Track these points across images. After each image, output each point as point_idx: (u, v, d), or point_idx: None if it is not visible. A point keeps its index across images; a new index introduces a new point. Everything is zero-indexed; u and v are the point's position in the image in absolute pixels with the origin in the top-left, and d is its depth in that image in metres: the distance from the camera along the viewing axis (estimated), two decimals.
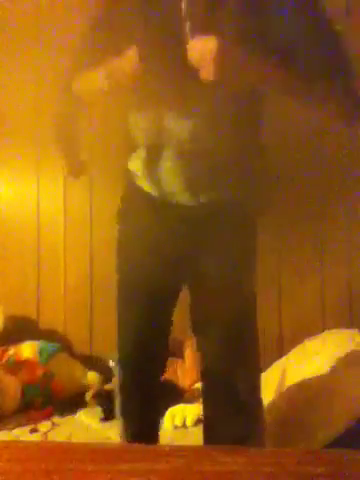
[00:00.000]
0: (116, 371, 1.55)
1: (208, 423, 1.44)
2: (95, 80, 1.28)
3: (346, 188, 2.36)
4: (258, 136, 1.39)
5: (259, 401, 1.43)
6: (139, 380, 1.50)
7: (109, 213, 2.55)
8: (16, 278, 2.62)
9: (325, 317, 2.38)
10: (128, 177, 1.46)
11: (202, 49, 1.11)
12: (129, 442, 1.48)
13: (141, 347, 1.47)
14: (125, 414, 1.52)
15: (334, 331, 2.21)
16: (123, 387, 1.52)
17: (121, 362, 1.52)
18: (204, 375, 1.45)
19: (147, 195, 1.41)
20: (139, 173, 1.40)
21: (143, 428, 1.51)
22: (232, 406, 1.37)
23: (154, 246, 1.41)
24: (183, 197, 1.35)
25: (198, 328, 1.43)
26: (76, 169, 1.55)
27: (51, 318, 2.59)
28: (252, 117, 1.36)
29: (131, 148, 1.42)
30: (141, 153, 1.38)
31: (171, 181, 1.34)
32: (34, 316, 2.60)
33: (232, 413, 1.36)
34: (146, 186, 1.40)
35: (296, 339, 2.25)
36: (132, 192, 1.46)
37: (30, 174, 2.61)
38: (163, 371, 1.57)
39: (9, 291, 2.60)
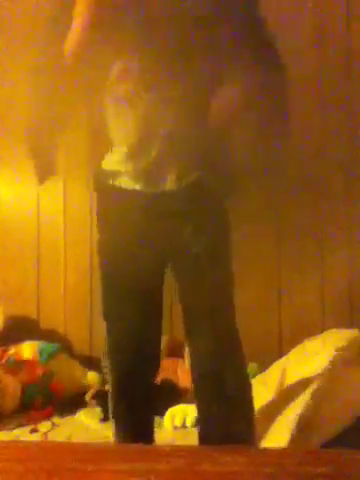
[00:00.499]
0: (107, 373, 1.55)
1: (200, 419, 1.46)
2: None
3: (346, 188, 2.36)
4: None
5: (248, 393, 1.44)
6: (132, 382, 1.49)
7: None
8: (16, 278, 2.62)
9: (325, 317, 2.38)
10: (101, 179, 1.47)
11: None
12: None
13: (132, 348, 1.47)
14: (117, 417, 1.52)
15: (334, 331, 2.21)
16: (115, 390, 1.51)
17: (112, 364, 1.51)
18: (193, 370, 1.46)
19: (126, 193, 1.42)
20: (119, 170, 1.41)
21: (136, 431, 1.50)
22: (220, 399, 1.38)
23: (138, 243, 1.42)
24: (167, 183, 1.38)
25: (186, 317, 1.45)
26: (44, 172, 1.54)
27: (51, 318, 2.59)
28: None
29: (105, 148, 1.44)
30: (120, 150, 1.40)
31: (157, 169, 1.37)
32: (34, 316, 2.60)
33: (221, 411, 1.38)
34: (126, 182, 1.41)
35: (296, 339, 2.25)
36: (108, 194, 1.48)
37: (30, 174, 2.61)
38: (157, 371, 1.56)
39: (9, 291, 2.60)
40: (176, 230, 1.40)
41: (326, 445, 1.57)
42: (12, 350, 2.33)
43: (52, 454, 0.84)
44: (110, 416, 1.54)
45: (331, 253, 2.38)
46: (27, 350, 2.32)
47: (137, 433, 1.50)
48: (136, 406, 1.51)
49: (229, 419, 1.37)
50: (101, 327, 1.53)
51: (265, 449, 0.81)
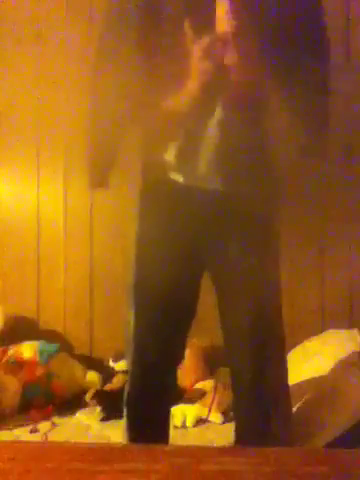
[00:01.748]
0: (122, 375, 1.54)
1: (238, 422, 1.45)
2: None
3: (346, 188, 2.36)
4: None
5: (288, 399, 1.45)
6: (159, 385, 1.48)
7: (109, 213, 2.56)
8: (16, 278, 2.62)
9: (325, 317, 2.38)
10: (156, 170, 1.43)
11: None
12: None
13: (163, 352, 1.45)
14: (136, 420, 1.51)
15: (334, 331, 2.21)
16: (140, 393, 1.50)
17: (138, 368, 1.49)
18: (232, 375, 1.45)
19: (173, 185, 1.39)
20: (173, 162, 1.39)
21: (155, 433, 1.49)
22: (259, 407, 1.38)
23: (177, 241, 1.39)
24: (213, 182, 1.36)
25: (226, 325, 1.43)
26: (99, 182, 1.53)
27: (51, 318, 2.59)
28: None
29: (167, 139, 1.41)
30: (177, 143, 1.37)
31: (205, 166, 1.35)
32: (34, 316, 2.60)
33: (261, 416, 1.38)
34: (175, 175, 1.39)
35: (296, 339, 2.25)
36: (156, 186, 1.44)
37: (30, 174, 2.61)
38: (178, 367, 1.57)
39: (9, 291, 2.60)
40: (215, 239, 1.38)
41: (326, 445, 1.57)
42: (12, 350, 2.33)
43: (52, 454, 0.83)
44: (124, 416, 1.52)
45: (331, 253, 2.38)
46: (27, 350, 2.32)
47: (153, 431, 1.48)
48: (155, 402, 1.50)
49: (267, 424, 1.37)
50: (126, 322, 1.49)
51: (265, 449, 0.81)
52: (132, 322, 1.47)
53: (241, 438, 1.43)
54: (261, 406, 1.38)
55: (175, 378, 1.57)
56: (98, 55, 1.44)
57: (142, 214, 1.47)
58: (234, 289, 1.40)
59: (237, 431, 1.45)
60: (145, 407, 1.49)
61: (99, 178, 1.51)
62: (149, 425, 1.48)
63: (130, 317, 1.47)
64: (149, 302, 1.45)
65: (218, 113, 1.32)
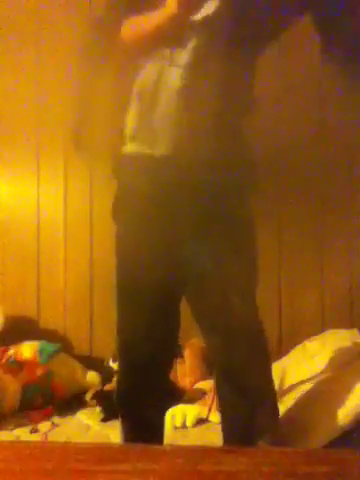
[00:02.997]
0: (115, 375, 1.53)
1: (225, 420, 1.45)
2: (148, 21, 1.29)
3: (346, 188, 2.37)
4: (248, 96, 1.40)
5: (273, 391, 1.44)
6: (145, 386, 1.45)
7: (109, 213, 2.55)
8: (16, 278, 2.62)
9: (325, 317, 2.38)
10: (119, 159, 1.41)
11: None
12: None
13: (149, 352, 1.41)
14: (128, 421, 1.50)
15: (334, 331, 2.21)
16: (127, 393, 1.49)
17: (122, 363, 1.48)
18: (216, 372, 1.46)
19: (143, 163, 1.35)
20: (134, 130, 1.36)
21: (147, 434, 1.47)
22: (244, 399, 1.38)
23: (157, 232, 1.35)
24: (181, 149, 1.31)
25: (202, 318, 1.42)
26: (78, 142, 1.49)
27: (51, 318, 2.59)
28: (241, 80, 1.36)
29: (124, 105, 1.39)
30: (135, 108, 1.36)
31: (168, 128, 1.31)
32: (34, 316, 2.60)
33: (244, 404, 1.38)
34: (141, 147, 1.35)
35: (296, 339, 2.25)
36: (125, 170, 1.41)
37: (30, 174, 2.61)
38: (170, 369, 1.55)
39: (9, 291, 2.60)
40: (194, 223, 1.34)
41: (326, 445, 1.57)
42: (12, 350, 2.33)
43: (52, 454, 0.83)
44: (121, 426, 1.51)
45: (331, 253, 2.38)
46: (27, 350, 2.32)
47: (147, 434, 1.47)
48: (154, 407, 1.48)
49: (252, 415, 1.37)
50: (113, 324, 1.48)
51: (265, 449, 0.81)
52: (117, 323, 1.46)
53: (229, 434, 1.43)
54: (246, 400, 1.38)
55: (166, 380, 1.54)
56: None
57: (118, 214, 1.44)
58: (207, 284, 1.38)
59: (224, 428, 1.45)
60: (134, 409, 1.48)
61: (74, 139, 1.48)
62: (141, 427, 1.47)
63: (116, 319, 1.46)
64: (132, 301, 1.42)
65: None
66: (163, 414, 1.56)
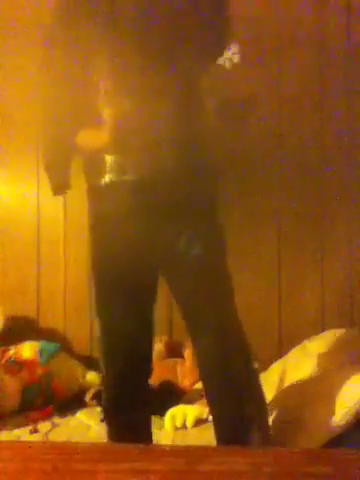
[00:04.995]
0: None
1: (213, 411, 1.48)
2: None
3: (346, 188, 2.37)
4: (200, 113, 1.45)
5: (258, 382, 1.47)
6: (123, 384, 1.50)
7: None
8: (16, 278, 2.62)
9: (325, 317, 2.38)
10: (92, 182, 1.51)
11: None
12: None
13: (125, 350, 1.49)
14: (109, 418, 1.53)
15: (334, 331, 2.21)
16: (107, 391, 1.53)
17: (104, 365, 1.54)
18: (199, 364, 1.49)
19: (114, 186, 1.44)
20: (106, 166, 1.44)
21: (130, 433, 1.49)
22: (230, 390, 1.41)
23: (130, 243, 1.43)
24: (152, 169, 1.40)
25: (186, 314, 1.46)
26: (60, 186, 1.57)
27: (51, 318, 2.59)
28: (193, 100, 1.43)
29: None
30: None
31: (141, 157, 1.40)
32: (34, 316, 2.59)
33: (231, 396, 1.40)
34: (113, 175, 1.44)
35: (296, 339, 2.25)
36: (97, 194, 1.50)
37: (30, 174, 2.61)
38: (149, 373, 1.57)
39: (9, 291, 2.60)
40: (168, 234, 1.42)
41: (326, 445, 1.57)
42: (12, 350, 2.33)
43: (52, 454, 0.83)
44: (103, 418, 1.55)
45: (331, 253, 2.38)
46: (27, 350, 2.32)
47: (131, 435, 1.49)
48: (129, 407, 1.51)
49: (240, 407, 1.40)
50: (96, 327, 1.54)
51: (265, 449, 0.81)
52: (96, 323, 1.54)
53: (220, 428, 1.44)
54: (232, 390, 1.41)
55: (145, 383, 1.56)
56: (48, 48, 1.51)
57: (91, 221, 1.53)
58: (183, 278, 1.44)
59: (215, 422, 1.47)
60: (118, 411, 1.52)
61: (59, 181, 1.55)
62: (126, 431, 1.49)
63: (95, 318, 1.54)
64: (108, 303, 1.51)
65: None
66: (147, 418, 1.58)
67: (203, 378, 1.50)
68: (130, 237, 1.42)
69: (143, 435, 1.53)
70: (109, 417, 1.54)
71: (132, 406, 1.51)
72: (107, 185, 1.45)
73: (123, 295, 1.47)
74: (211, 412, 1.51)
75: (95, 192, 1.51)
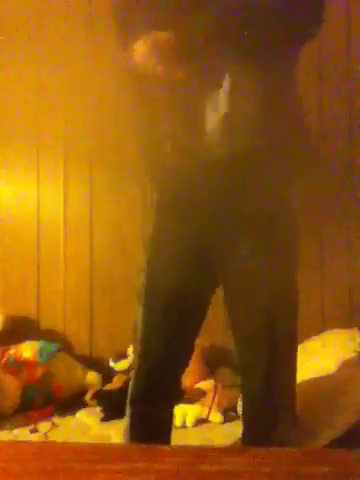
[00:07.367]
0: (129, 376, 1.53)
1: (246, 422, 1.44)
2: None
3: (346, 188, 2.36)
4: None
5: (294, 400, 1.43)
6: (161, 387, 1.47)
7: (109, 213, 2.56)
8: (16, 278, 2.62)
9: (325, 317, 2.38)
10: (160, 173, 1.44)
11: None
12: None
13: (167, 357, 1.44)
14: (139, 420, 1.49)
15: (334, 331, 2.21)
16: (142, 393, 1.49)
17: (142, 369, 1.49)
18: (242, 375, 1.45)
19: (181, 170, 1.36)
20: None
21: (157, 433, 1.47)
22: (269, 405, 1.37)
23: (189, 244, 1.38)
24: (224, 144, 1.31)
25: (237, 325, 1.41)
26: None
27: (51, 318, 2.59)
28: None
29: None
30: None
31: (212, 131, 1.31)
32: (34, 316, 2.59)
33: (269, 416, 1.37)
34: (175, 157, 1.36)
35: None
36: (166, 182, 1.44)
37: (30, 174, 2.61)
38: (183, 371, 1.54)
39: (9, 291, 2.60)
40: (231, 240, 1.36)
41: (327, 445, 1.57)
42: (12, 350, 2.33)
43: (52, 454, 0.83)
44: (127, 421, 1.50)
45: (331, 253, 2.38)
46: (27, 350, 2.32)
47: (155, 429, 1.47)
48: (168, 407, 1.51)
49: (275, 421, 1.36)
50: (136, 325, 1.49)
51: (265, 449, 0.81)
52: (140, 324, 1.46)
53: (248, 438, 1.42)
54: (270, 407, 1.37)
55: (179, 382, 1.55)
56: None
57: (156, 216, 1.48)
58: (245, 288, 1.37)
59: (244, 431, 1.44)
60: (148, 408, 1.48)
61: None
62: (151, 427, 1.47)
63: (138, 318, 1.47)
64: (158, 304, 1.43)
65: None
66: (171, 415, 1.57)
67: (243, 391, 1.46)
68: (189, 240, 1.37)
69: (165, 433, 1.52)
70: (138, 413, 1.50)
71: (161, 403, 1.49)
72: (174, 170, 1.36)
73: (175, 297, 1.39)
74: (243, 422, 1.46)
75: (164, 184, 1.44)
